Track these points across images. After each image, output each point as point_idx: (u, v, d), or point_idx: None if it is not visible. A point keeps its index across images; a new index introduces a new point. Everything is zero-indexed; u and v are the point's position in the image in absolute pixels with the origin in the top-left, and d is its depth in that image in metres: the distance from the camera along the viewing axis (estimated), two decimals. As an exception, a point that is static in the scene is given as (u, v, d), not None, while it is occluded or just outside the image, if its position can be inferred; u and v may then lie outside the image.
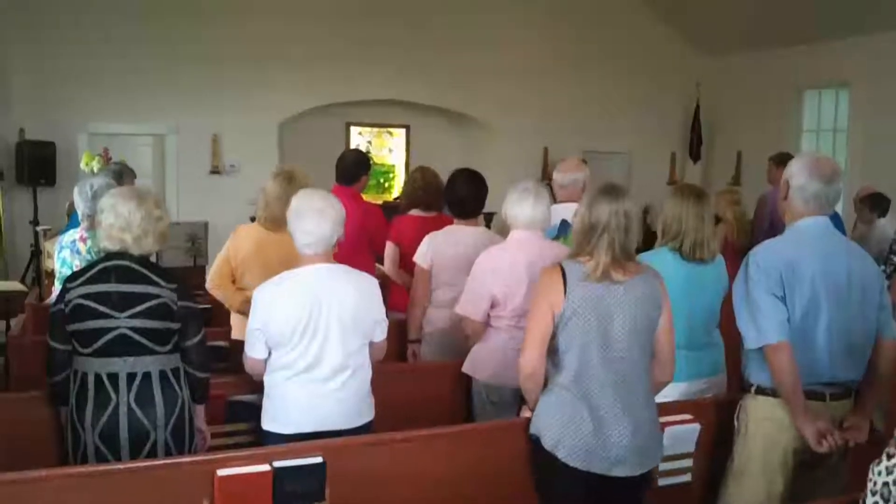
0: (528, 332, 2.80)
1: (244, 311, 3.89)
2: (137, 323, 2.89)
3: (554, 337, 2.77)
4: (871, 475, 1.90)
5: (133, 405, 2.88)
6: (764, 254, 2.90)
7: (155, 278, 2.95)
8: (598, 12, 10.98)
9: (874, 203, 7.07)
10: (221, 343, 4.01)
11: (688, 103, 11.70)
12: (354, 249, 4.16)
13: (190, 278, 4.28)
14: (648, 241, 3.73)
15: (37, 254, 7.58)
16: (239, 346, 3.84)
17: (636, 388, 2.78)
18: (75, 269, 3.75)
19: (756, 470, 2.94)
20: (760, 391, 2.93)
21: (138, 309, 2.89)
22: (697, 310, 3.42)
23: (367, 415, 3.11)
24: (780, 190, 3.01)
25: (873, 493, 1.87)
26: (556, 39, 10.82)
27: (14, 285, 6.29)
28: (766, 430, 2.91)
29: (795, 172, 2.91)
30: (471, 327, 3.62)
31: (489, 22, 10.42)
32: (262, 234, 3.97)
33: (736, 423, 3.03)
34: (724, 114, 11.65)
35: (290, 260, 3.36)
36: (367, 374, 3.12)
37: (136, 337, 2.89)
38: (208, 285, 4.03)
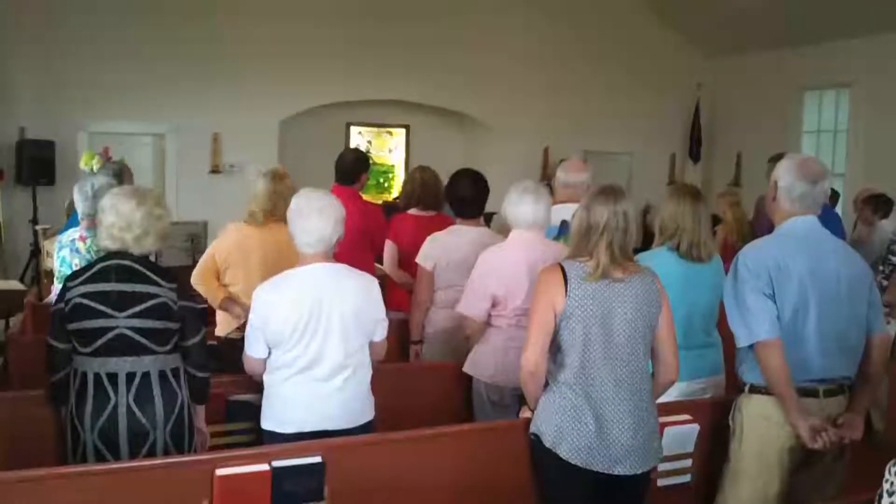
0: (530, 331, 2.80)
1: (226, 308, 3.95)
2: (137, 322, 2.88)
3: (555, 335, 2.77)
4: (887, 475, 1.89)
5: (132, 405, 2.87)
6: (752, 254, 2.93)
7: (155, 278, 2.95)
8: (599, 13, 10.98)
9: (876, 204, 7.07)
10: (213, 342, 4.01)
11: (688, 104, 11.71)
12: (354, 249, 4.15)
13: (189, 278, 4.28)
14: (648, 242, 3.73)
15: (36, 253, 7.57)
16: (227, 342, 3.88)
17: (637, 386, 2.78)
18: (74, 268, 3.75)
19: (752, 470, 2.94)
20: (754, 390, 2.94)
21: (138, 308, 2.88)
22: (696, 309, 3.43)
23: (367, 414, 3.10)
24: (769, 191, 3.04)
25: (890, 494, 1.86)
26: (556, 40, 10.82)
27: (13, 284, 6.30)
28: (760, 428, 2.91)
29: (782, 174, 2.96)
30: (471, 327, 3.62)
31: (489, 22, 10.42)
32: (245, 230, 4.03)
33: (731, 422, 3.03)
34: (724, 115, 11.66)
35: (274, 254, 3.34)
36: (367, 373, 3.12)
37: (136, 337, 2.88)
38: (193, 280, 4.02)
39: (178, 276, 3.06)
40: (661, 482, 3.15)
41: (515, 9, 10.52)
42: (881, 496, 1.89)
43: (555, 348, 2.80)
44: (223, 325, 4.06)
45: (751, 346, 2.85)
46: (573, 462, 2.73)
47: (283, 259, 3.24)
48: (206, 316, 4.18)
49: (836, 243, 3.01)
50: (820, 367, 2.86)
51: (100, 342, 2.87)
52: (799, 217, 2.93)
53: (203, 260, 4.10)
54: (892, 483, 1.86)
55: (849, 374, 2.93)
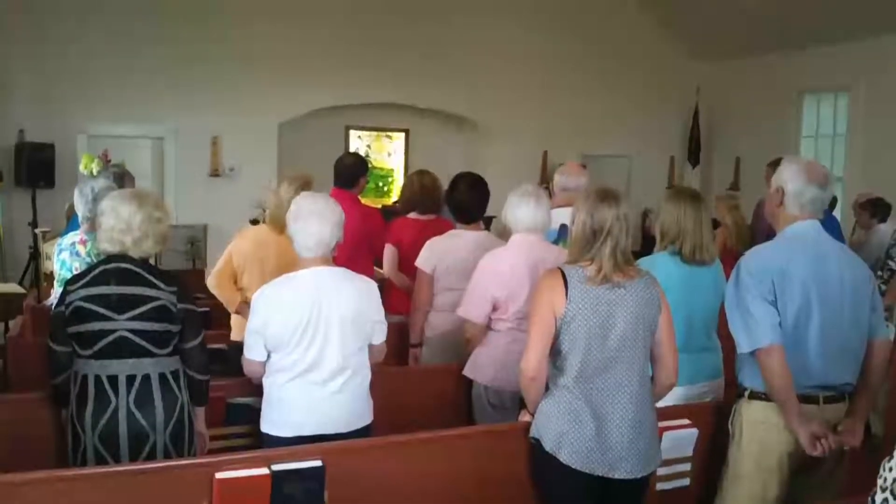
0: (530, 335, 2.80)
1: (241, 313, 3.91)
2: (137, 325, 2.89)
3: (556, 339, 2.78)
4: (881, 472, 1.89)
5: (132, 408, 2.88)
6: (755, 259, 2.92)
7: (154, 280, 2.95)
8: (598, 16, 11.00)
9: (874, 208, 7.09)
10: (221, 346, 4.00)
11: (687, 107, 11.72)
12: (353, 252, 4.16)
13: (189, 281, 4.29)
14: (648, 246, 3.73)
15: (35, 256, 7.57)
16: (238, 347, 3.86)
17: (637, 390, 2.78)
18: (74, 271, 3.76)
19: (751, 474, 2.93)
20: (754, 395, 2.93)
21: (138, 311, 2.89)
22: (697, 312, 3.43)
23: (366, 417, 3.11)
24: (771, 197, 3.00)
25: (883, 490, 1.87)
26: (555, 43, 10.83)
27: (13, 287, 6.31)
28: (760, 434, 2.91)
29: (790, 178, 2.92)
30: (471, 331, 3.63)
31: (489, 26, 10.44)
32: (265, 235, 4.00)
33: (730, 427, 3.03)
34: (723, 118, 11.67)
35: (290, 264, 3.35)
36: (367, 376, 3.12)
37: (136, 339, 2.89)
38: (209, 283, 4.02)
39: (179, 279, 3.07)
40: (659, 486, 3.14)
41: (515, 12, 10.53)
42: (875, 494, 1.90)
43: (555, 352, 2.80)
44: (238, 330, 3.97)
45: (752, 352, 2.84)
46: (573, 466, 2.73)
47: (294, 266, 3.22)
48: (208, 319, 4.18)
49: (840, 248, 3.00)
50: (821, 372, 2.84)
51: (100, 345, 2.87)
52: (803, 221, 2.91)
53: (220, 263, 4.03)
54: (885, 479, 1.88)
55: (849, 381, 2.91)
